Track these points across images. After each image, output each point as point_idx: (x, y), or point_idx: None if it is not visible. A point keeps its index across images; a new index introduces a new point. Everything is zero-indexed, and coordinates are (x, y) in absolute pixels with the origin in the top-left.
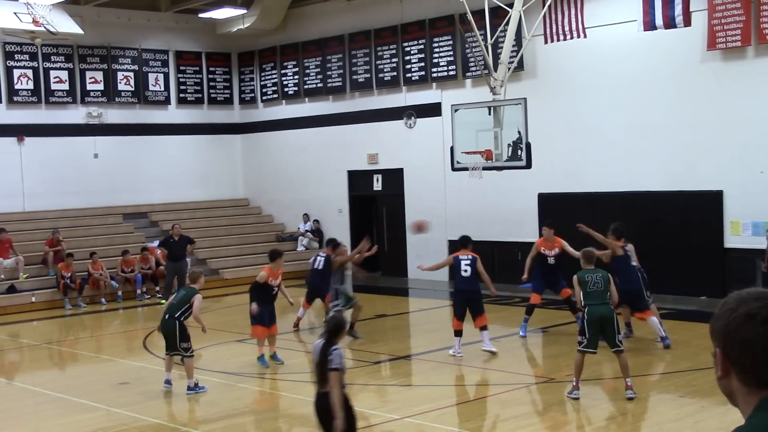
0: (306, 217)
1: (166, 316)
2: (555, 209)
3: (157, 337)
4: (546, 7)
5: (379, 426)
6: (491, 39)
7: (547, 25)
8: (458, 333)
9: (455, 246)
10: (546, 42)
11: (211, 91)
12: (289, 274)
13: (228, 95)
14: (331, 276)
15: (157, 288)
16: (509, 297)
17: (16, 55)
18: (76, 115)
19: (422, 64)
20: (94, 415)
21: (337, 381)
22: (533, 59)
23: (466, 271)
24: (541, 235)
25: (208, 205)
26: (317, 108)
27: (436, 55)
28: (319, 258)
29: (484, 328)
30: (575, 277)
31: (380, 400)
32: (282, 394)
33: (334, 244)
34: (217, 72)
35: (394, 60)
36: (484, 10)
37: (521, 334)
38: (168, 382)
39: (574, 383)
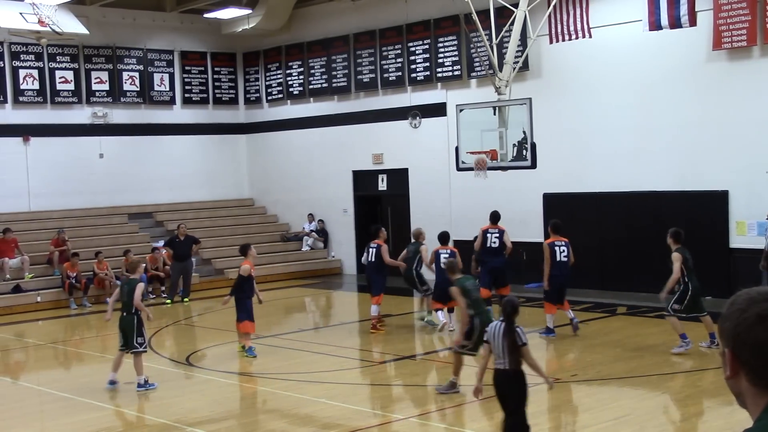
0: (311, 217)
1: (124, 314)
2: (560, 209)
3: (164, 337)
4: (551, 7)
5: (384, 426)
6: (496, 39)
7: (553, 25)
8: (437, 309)
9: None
10: (551, 42)
11: (216, 91)
12: (295, 274)
13: (233, 95)
14: (383, 267)
15: (163, 288)
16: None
17: (21, 56)
18: (81, 115)
19: (427, 64)
20: (99, 414)
21: (529, 352)
22: (538, 59)
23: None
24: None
25: (213, 205)
26: (322, 108)
27: (441, 55)
28: (371, 249)
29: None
30: (456, 288)
31: (384, 399)
32: (286, 394)
33: (375, 229)
34: (222, 72)
35: (399, 60)
36: (489, 10)
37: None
38: (112, 382)
39: (454, 380)
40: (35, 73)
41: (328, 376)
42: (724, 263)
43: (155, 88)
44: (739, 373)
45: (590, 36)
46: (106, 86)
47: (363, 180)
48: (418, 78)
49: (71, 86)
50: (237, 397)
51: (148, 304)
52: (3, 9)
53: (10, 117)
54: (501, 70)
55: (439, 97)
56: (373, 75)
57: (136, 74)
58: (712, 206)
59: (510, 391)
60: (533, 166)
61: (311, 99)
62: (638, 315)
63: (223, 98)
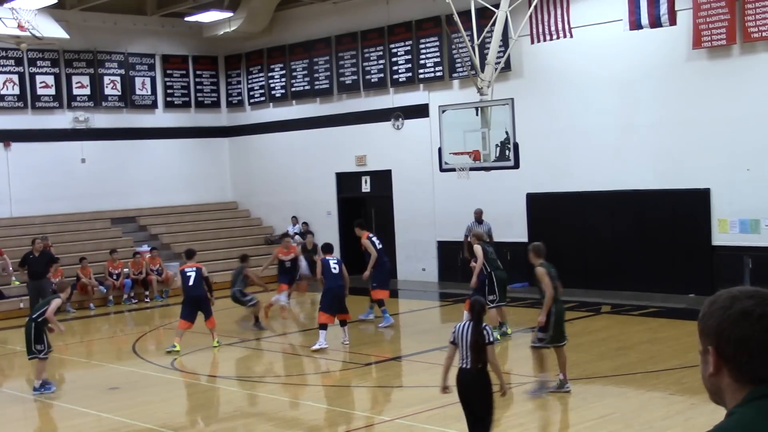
0: (295, 220)
1: (27, 320)
2: (543, 209)
3: (147, 342)
4: (532, 7)
5: (371, 427)
6: (478, 40)
7: (534, 26)
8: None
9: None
10: (532, 42)
11: (198, 94)
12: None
13: (215, 98)
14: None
15: (146, 292)
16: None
17: (1, 60)
18: (62, 119)
19: (409, 65)
20: (84, 420)
21: (494, 352)
22: (520, 59)
23: None
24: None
25: (196, 209)
26: (305, 110)
27: (423, 56)
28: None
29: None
30: (542, 270)
31: (371, 401)
32: (271, 397)
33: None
34: (204, 75)
35: (381, 61)
36: (470, 10)
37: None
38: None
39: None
40: (15, 78)
41: (314, 378)
42: (706, 261)
43: (137, 92)
44: (722, 369)
45: (571, 36)
46: (87, 90)
47: (346, 182)
48: (401, 79)
49: (52, 91)
50: (223, 401)
51: (131, 309)
52: None
53: None
54: (483, 71)
55: (422, 99)
56: (355, 77)
57: (118, 78)
58: (695, 204)
59: (474, 392)
60: (516, 166)
61: (293, 101)
62: (622, 313)
63: (206, 101)
